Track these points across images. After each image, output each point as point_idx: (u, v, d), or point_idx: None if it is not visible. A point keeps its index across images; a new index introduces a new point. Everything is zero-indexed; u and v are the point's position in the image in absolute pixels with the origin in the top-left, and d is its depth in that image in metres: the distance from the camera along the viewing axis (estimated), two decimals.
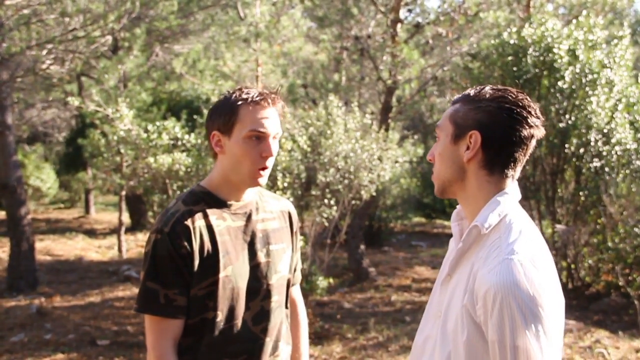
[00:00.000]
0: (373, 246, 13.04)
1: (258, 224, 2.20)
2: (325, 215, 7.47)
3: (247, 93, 2.07)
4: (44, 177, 20.75)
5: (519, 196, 1.76)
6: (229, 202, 2.15)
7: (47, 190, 21.24)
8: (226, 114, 2.07)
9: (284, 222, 2.32)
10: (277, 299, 2.22)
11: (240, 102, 2.05)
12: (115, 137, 9.20)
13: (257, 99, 2.06)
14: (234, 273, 2.09)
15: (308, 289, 7.39)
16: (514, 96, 1.69)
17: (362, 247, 10.20)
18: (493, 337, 1.54)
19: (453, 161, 1.74)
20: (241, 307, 2.12)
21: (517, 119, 1.66)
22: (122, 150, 9.99)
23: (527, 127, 1.67)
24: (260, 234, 2.19)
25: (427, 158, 1.82)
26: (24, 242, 9.81)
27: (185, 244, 2.01)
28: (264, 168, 2.08)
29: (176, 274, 2.02)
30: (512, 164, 1.70)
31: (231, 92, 2.11)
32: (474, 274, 1.63)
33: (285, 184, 6.97)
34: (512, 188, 1.73)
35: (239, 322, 2.11)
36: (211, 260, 2.06)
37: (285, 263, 2.27)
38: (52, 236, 15.28)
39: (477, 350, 1.61)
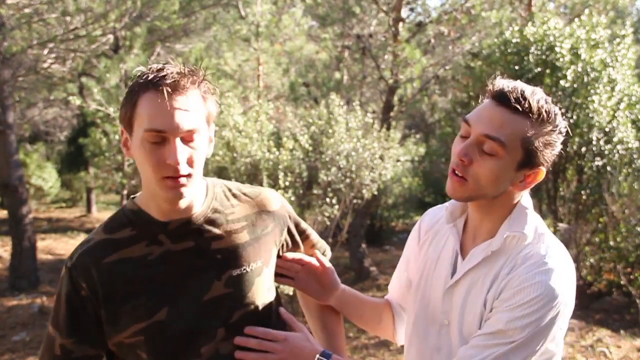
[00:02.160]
0: (374, 245, 13.03)
1: (214, 242, 1.65)
2: (326, 214, 7.46)
3: (151, 73, 1.51)
4: (45, 176, 20.73)
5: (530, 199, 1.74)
6: (165, 221, 1.62)
7: (49, 190, 21.22)
8: (126, 103, 1.53)
9: (263, 229, 1.76)
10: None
11: (137, 88, 1.51)
12: (117, 137, 9.20)
13: (157, 83, 1.49)
14: (172, 315, 1.59)
15: None
16: (564, 118, 1.64)
17: (364, 246, 10.19)
18: (502, 325, 1.53)
19: (505, 185, 1.62)
20: (187, 355, 1.63)
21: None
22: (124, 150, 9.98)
23: None
24: (218, 255, 1.65)
25: (459, 157, 1.59)
26: (25, 241, 9.82)
27: (85, 284, 1.57)
28: (173, 177, 1.52)
29: (74, 321, 1.59)
30: None
31: (141, 72, 1.56)
32: (502, 279, 1.61)
33: (287, 183, 6.97)
34: (526, 194, 1.72)
35: None
36: (132, 305, 1.58)
37: (258, 290, 1.71)
38: (54, 235, 15.28)
39: None
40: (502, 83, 1.61)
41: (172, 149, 1.49)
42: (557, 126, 1.60)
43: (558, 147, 1.62)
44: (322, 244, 2.02)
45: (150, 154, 1.50)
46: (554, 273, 1.54)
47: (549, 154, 1.60)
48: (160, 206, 1.61)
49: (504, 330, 1.52)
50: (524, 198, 1.69)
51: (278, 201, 1.84)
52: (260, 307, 1.72)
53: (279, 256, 1.87)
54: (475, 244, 1.72)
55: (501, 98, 1.57)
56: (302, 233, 1.93)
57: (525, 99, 1.55)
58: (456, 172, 1.61)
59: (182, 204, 1.61)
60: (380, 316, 2.08)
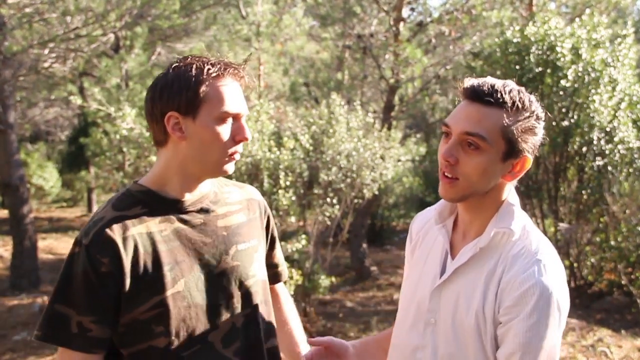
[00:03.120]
0: (375, 245, 13.04)
1: (219, 220, 1.83)
2: (327, 213, 7.46)
3: (212, 65, 1.72)
4: (46, 176, 20.75)
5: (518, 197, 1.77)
6: (177, 199, 1.76)
7: (50, 189, 21.23)
8: (189, 90, 1.68)
9: (253, 214, 1.96)
10: (251, 311, 1.84)
11: (205, 76, 1.70)
12: (118, 136, 9.19)
13: (228, 72, 1.73)
14: (187, 287, 1.71)
15: (310, 287, 7.39)
16: (543, 109, 1.67)
17: (365, 245, 10.19)
18: (522, 337, 1.54)
19: (495, 178, 1.65)
20: (204, 327, 1.74)
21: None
22: (125, 149, 9.97)
23: None
24: (223, 232, 1.82)
25: (444, 157, 1.62)
26: (26, 240, 9.82)
27: (106, 260, 1.61)
28: (235, 153, 1.75)
29: (92, 297, 1.61)
30: None
31: (184, 63, 1.73)
32: (497, 278, 1.62)
33: (288, 183, 6.96)
34: (514, 191, 1.75)
35: (204, 345, 1.74)
36: (153, 277, 1.66)
37: (259, 264, 1.90)
38: (55, 235, 15.29)
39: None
40: (472, 81, 1.66)
41: (244, 128, 1.74)
42: (533, 112, 1.63)
43: (540, 132, 1.66)
44: (283, 266, 2.18)
45: (223, 132, 1.71)
46: (547, 270, 1.57)
47: (531, 140, 1.64)
48: (183, 185, 1.76)
49: (523, 343, 1.54)
50: (511, 195, 1.72)
51: (261, 196, 2.07)
52: (261, 279, 1.90)
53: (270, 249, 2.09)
54: (465, 242, 1.73)
55: (473, 95, 1.62)
56: (274, 239, 2.11)
57: (496, 91, 1.60)
58: (446, 173, 1.65)
59: (210, 180, 1.85)
60: None
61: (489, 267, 1.65)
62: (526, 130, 1.62)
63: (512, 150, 1.62)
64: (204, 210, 1.80)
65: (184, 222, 1.75)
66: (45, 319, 1.64)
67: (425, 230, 1.90)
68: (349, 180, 7.61)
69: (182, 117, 1.69)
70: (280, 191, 6.83)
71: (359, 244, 10.04)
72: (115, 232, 1.64)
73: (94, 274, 1.60)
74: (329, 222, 7.66)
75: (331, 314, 7.85)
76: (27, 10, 9.63)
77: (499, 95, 1.59)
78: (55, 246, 13.67)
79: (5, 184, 9.76)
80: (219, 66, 1.71)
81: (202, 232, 1.77)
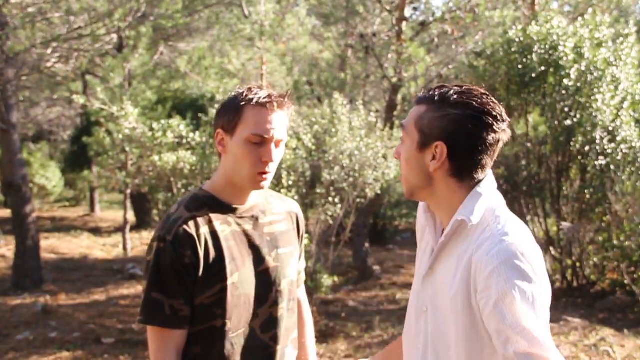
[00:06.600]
0: (378, 244, 13.02)
1: (265, 227, 2.14)
2: (329, 213, 7.46)
3: (255, 94, 2.00)
4: (49, 176, 20.78)
5: (495, 184, 1.78)
6: (233, 206, 2.09)
7: (52, 189, 21.27)
8: (231, 112, 2.01)
9: (292, 224, 2.26)
10: (286, 304, 2.15)
11: (245, 102, 1.99)
12: (120, 136, 9.20)
13: (264, 101, 1.98)
14: (240, 280, 2.03)
15: (313, 287, 7.39)
16: (478, 101, 1.67)
17: (367, 245, 10.19)
18: (496, 318, 1.55)
19: (420, 169, 1.73)
20: (248, 314, 2.06)
21: (483, 127, 1.66)
22: (127, 149, 9.98)
23: (492, 133, 1.67)
24: (267, 237, 2.13)
25: (393, 155, 1.80)
26: (29, 240, 9.84)
27: (189, 252, 1.95)
28: (263, 172, 2.01)
29: (180, 284, 1.96)
30: (480, 169, 1.72)
31: (241, 90, 2.05)
32: (467, 263, 1.65)
33: (290, 182, 6.97)
34: (488, 179, 1.75)
35: (247, 330, 2.06)
36: (217, 268, 1.99)
37: (293, 267, 2.21)
38: (58, 234, 15.31)
39: (475, 339, 1.66)
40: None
41: (269, 151, 1.99)
42: (457, 103, 1.66)
43: (459, 121, 1.66)
44: (303, 272, 2.41)
45: (251, 152, 1.98)
46: (510, 247, 1.58)
47: (443, 128, 1.67)
48: (234, 194, 2.07)
49: (512, 323, 1.54)
50: (484, 183, 1.73)
51: (300, 211, 2.34)
52: (295, 280, 2.23)
53: None
54: None
55: (416, 100, 1.78)
56: (301, 251, 2.36)
57: (429, 91, 1.73)
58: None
59: (259, 191, 2.11)
60: None
61: (459, 253, 1.69)
62: (439, 119, 1.67)
63: (425, 140, 1.70)
64: (254, 218, 2.12)
65: (239, 225, 2.08)
66: (144, 305, 1.97)
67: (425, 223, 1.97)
68: (351, 179, 7.61)
69: (225, 134, 2.03)
70: (283, 190, 6.83)
71: (362, 243, 10.04)
72: (192, 229, 1.97)
73: (180, 265, 1.94)
74: (331, 222, 7.66)
75: (333, 313, 7.86)
76: (30, 9, 9.66)
77: (428, 94, 1.73)
78: (58, 246, 13.70)
79: (8, 183, 9.78)
80: (261, 95, 1.99)
81: (252, 236, 2.09)
